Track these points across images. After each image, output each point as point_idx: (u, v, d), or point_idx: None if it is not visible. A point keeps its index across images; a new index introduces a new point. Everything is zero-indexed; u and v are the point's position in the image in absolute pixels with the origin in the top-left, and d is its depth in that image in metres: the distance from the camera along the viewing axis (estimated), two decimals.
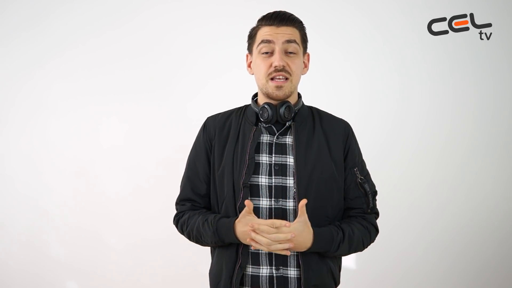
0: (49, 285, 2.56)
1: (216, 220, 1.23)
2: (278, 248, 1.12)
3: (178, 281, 2.46)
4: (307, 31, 1.33)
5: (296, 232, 1.13)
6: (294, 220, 1.19)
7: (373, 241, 1.32)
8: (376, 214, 1.34)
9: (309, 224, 1.17)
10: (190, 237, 1.31)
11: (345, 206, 1.30)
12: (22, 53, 2.60)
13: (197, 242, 1.31)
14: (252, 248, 1.18)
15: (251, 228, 1.13)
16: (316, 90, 2.22)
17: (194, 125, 1.47)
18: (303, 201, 1.14)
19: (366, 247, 1.31)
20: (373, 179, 1.36)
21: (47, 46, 2.58)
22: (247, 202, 1.15)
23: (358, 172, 1.30)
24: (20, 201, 2.58)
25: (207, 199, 1.33)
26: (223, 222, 1.21)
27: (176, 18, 2.50)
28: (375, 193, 1.33)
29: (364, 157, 1.38)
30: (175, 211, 1.38)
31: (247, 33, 1.33)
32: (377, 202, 1.34)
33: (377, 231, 1.32)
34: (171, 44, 2.51)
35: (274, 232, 1.12)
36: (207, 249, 1.38)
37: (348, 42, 2.39)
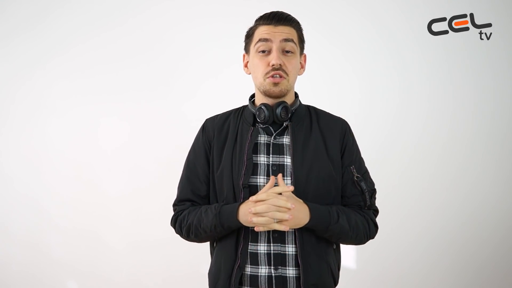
0: (49, 286, 2.56)
1: (220, 205, 1.23)
2: (277, 217, 1.13)
3: (178, 281, 2.46)
4: (308, 31, 1.34)
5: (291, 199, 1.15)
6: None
7: (373, 237, 1.31)
8: (375, 211, 1.33)
9: (299, 199, 1.18)
10: (188, 231, 1.29)
11: (342, 203, 1.30)
12: (21, 52, 2.61)
13: (195, 235, 1.28)
14: (254, 229, 1.17)
15: (251, 201, 1.15)
16: (316, 90, 2.22)
17: (194, 126, 1.47)
18: (279, 177, 1.18)
19: (366, 240, 1.30)
20: (373, 179, 1.35)
21: (46, 46, 2.59)
22: (272, 178, 1.18)
23: (354, 170, 1.29)
24: (20, 201, 2.59)
25: (207, 200, 1.33)
26: (227, 206, 1.22)
27: (174, 18, 2.51)
28: (373, 191, 1.32)
29: (364, 157, 1.37)
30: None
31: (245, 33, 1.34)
32: (377, 202, 1.34)
33: (376, 227, 1.32)
34: (170, 43, 2.51)
35: (273, 197, 1.13)
36: (207, 250, 1.38)
37: (348, 42, 2.39)
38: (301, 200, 1.18)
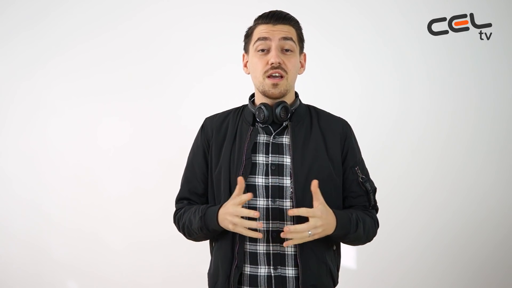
0: (49, 286, 2.56)
1: (206, 206, 1.24)
2: (249, 235, 1.13)
3: (178, 281, 2.45)
4: (309, 31, 1.34)
5: (323, 214, 1.13)
6: (291, 220, 1.20)
7: (375, 234, 1.33)
8: (376, 210, 1.35)
9: (329, 209, 1.16)
10: (184, 231, 1.30)
11: (347, 204, 1.30)
12: (21, 52, 2.61)
13: (189, 235, 1.30)
14: (283, 244, 1.15)
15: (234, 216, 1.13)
16: (317, 89, 2.22)
17: (195, 126, 1.46)
18: (315, 182, 1.14)
19: (372, 239, 1.31)
20: (373, 179, 1.36)
21: (46, 45, 2.59)
22: (239, 178, 1.14)
23: (359, 171, 1.30)
24: (19, 202, 2.59)
25: (205, 199, 1.33)
26: (211, 209, 1.22)
27: (176, 17, 2.50)
28: (375, 190, 1.33)
29: (364, 156, 1.38)
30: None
31: (244, 31, 1.33)
32: (377, 202, 1.35)
33: (378, 225, 1.33)
34: (171, 42, 2.51)
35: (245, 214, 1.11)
36: (207, 250, 1.38)
37: (349, 42, 2.39)
38: (330, 210, 1.16)
